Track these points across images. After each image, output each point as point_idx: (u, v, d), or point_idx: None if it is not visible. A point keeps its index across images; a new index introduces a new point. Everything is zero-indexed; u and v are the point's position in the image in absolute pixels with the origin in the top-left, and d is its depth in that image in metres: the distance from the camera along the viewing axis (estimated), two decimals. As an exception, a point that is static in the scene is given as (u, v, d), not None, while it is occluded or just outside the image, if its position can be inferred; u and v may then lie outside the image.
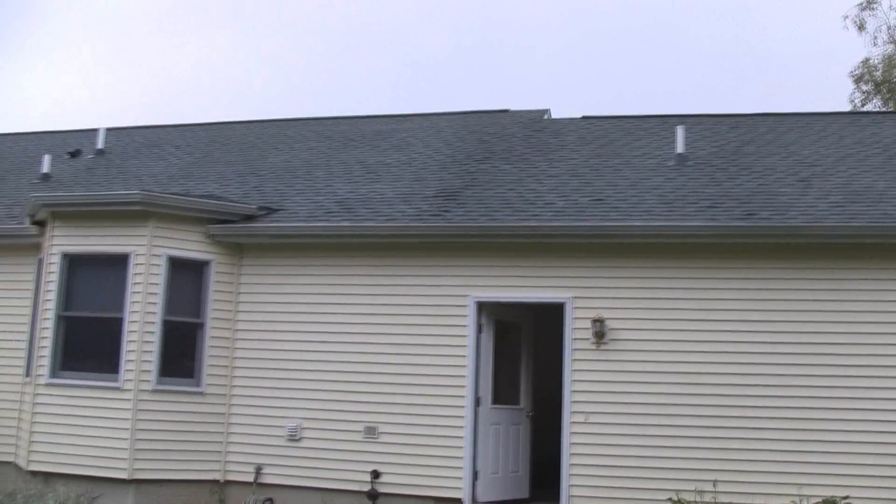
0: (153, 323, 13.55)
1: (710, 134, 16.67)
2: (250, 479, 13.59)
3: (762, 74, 51.63)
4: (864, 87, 32.72)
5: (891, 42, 32.91)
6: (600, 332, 12.52)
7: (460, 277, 13.27)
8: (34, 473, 13.62)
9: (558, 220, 13.01)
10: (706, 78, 52.37)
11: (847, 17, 33.24)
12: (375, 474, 13.04)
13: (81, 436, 13.42)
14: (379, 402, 13.26)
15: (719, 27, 54.04)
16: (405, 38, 59.77)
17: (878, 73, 32.50)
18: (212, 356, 13.90)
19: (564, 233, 12.82)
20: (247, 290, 14.20)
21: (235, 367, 14.02)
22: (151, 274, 13.62)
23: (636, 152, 16.02)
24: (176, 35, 60.16)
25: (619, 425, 12.33)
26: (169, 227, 13.82)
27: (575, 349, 12.70)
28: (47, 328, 13.94)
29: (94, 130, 20.39)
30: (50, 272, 14.12)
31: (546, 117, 19.35)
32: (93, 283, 14.18)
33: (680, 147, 15.32)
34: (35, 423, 13.74)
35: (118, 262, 13.75)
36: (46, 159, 18.32)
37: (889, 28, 33.01)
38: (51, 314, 13.95)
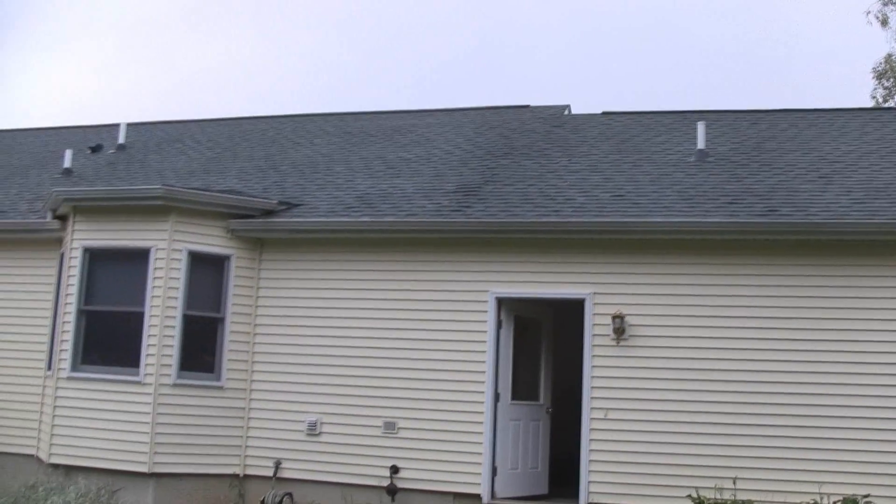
0: (173, 317, 13.60)
1: (731, 130, 16.59)
2: (269, 473, 13.63)
3: (784, 70, 51.38)
4: (886, 83, 32.47)
5: (914, 37, 32.65)
6: (620, 329, 12.49)
7: (480, 273, 13.26)
8: (55, 466, 13.69)
9: (578, 216, 12.99)
10: (727, 74, 52.15)
11: (869, 12, 32.99)
12: (394, 469, 13.05)
13: (102, 429, 13.49)
14: (398, 398, 13.27)
15: (740, 23, 53.82)
16: (426, 34, 59.76)
17: (901, 69, 32.21)
18: (232, 351, 13.94)
19: (585, 228, 12.79)
20: (267, 285, 14.23)
21: (255, 362, 14.05)
22: (172, 268, 13.66)
23: (656, 148, 15.97)
24: (198, 30, 60.31)
25: (638, 421, 12.30)
26: (189, 221, 13.86)
27: (595, 345, 12.67)
28: (69, 322, 14.01)
29: (116, 125, 20.50)
30: (71, 266, 14.19)
31: (566, 113, 19.31)
32: (114, 277, 14.25)
33: (700, 143, 15.26)
34: (56, 416, 13.82)
35: (139, 257, 13.80)
36: (68, 154, 18.41)
37: (912, 23, 32.73)
38: (72, 308, 14.02)
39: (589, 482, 12.38)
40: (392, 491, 12.97)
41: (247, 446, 13.86)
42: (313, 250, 14.09)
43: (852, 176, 13.79)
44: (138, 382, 13.45)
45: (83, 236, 14.19)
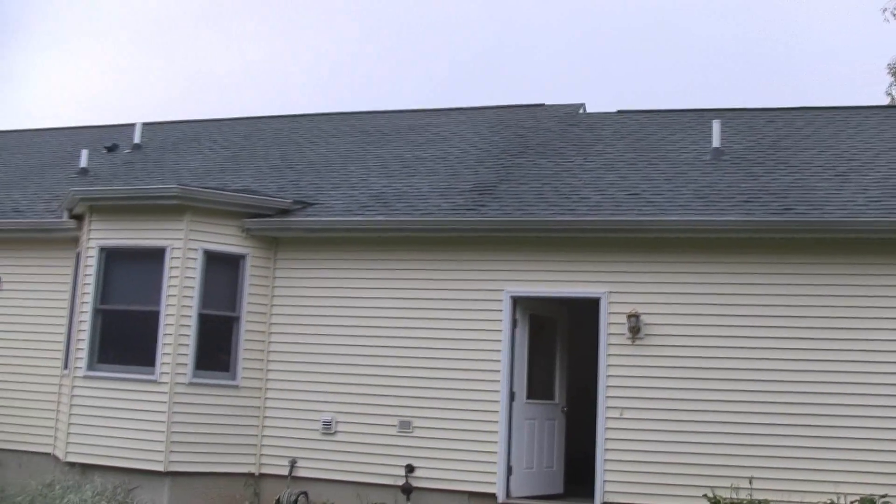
0: (189, 316, 13.63)
1: (747, 128, 16.54)
2: (285, 472, 13.65)
3: (800, 68, 51.21)
4: (902, 80, 32.25)
5: (930, 34, 32.43)
6: (636, 328, 12.46)
7: (495, 272, 13.26)
8: (72, 465, 13.74)
9: (594, 215, 12.97)
10: (742, 72, 52.00)
11: (886, 9, 32.81)
12: (410, 468, 13.05)
13: (118, 428, 13.53)
14: (413, 397, 13.27)
15: (755, 20, 53.64)
16: (441, 33, 59.76)
17: (917, 66, 32.02)
18: (247, 350, 13.96)
19: (600, 227, 12.77)
20: (282, 284, 14.25)
21: (270, 361, 14.08)
22: (187, 268, 13.70)
23: (672, 146, 15.93)
24: (214, 29, 60.45)
25: (654, 421, 12.27)
26: (205, 220, 13.89)
27: (610, 344, 12.65)
28: (85, 321, 14.06)
29: (132, 125, 20.56)
30: (87, 266, 14.24)
31: (581, 111, 19.28)
32: (129, 276, 14.29)
33: (716, 141, 15.21)
34: (73, 415, 13.87)
35: (155, 256, 13.84)
36: (84, 154, 18.49)
37: (928, 20, 32.53)
38: (88, 307, 14.07)
39: (604, 481, 12.36)
40: (407, 490, 12.97)
41: (262, 445, 13.88)
42: (328, 249, 14.11)
43: (869, 174, 13.73)
44: (154, 381, 13.49)
45: (99, 236, 14.24)
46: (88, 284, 14.15)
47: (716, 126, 15.36)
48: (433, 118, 19.71)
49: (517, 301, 13.23)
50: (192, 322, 13.65)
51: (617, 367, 12.57)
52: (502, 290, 13.18)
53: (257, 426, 13.93)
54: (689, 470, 11.97)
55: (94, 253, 14.18)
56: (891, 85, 31.83)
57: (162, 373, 13.48)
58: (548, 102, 19.86)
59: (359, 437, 13.44)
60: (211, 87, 56.94)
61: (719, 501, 11.19)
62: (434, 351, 13.28)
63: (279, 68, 59.78)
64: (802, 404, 11.80)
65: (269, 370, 14.05)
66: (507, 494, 12.81)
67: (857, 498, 11.00)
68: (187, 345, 13.58)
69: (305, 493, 13.40)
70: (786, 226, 12.14)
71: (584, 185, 14.29)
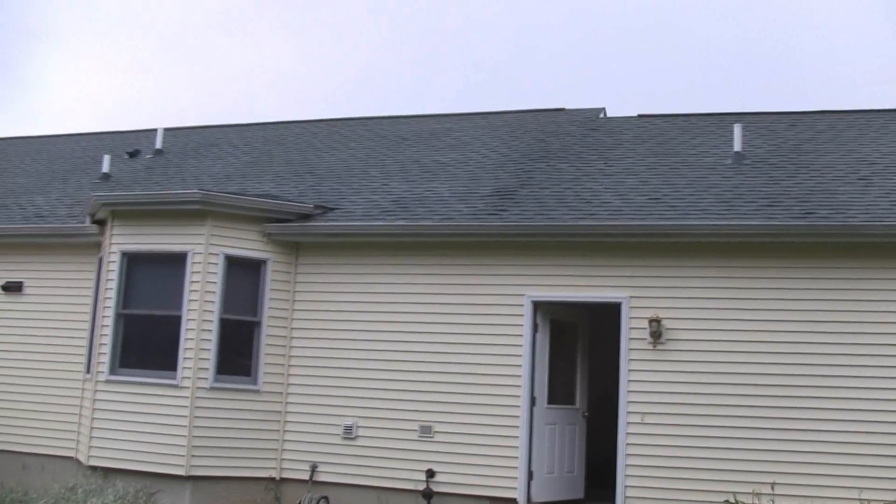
0: (210, 321, 13.67)
1: (768, 132, 16.48)
2: (306, 476, 13.67)
3: (799, 69, 51.00)
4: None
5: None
6: (657, 332, 12.43)
7: (516, 277, 13.25)
8: (94, 468, 13.80)
9: (615, 220, 12.94)
10: (763, 76, 51.82)
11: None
12: (430, 473, 13.05)
13: (140, 432, 13.58)
14: (434, 402, 13.27)
15: (756, 21, 53.45)
16: (462, 38, 59.76)
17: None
18: (268, 354, 13.99)
19: (621, 232, 12.75)
20: (303, 289, 14.28)
21: (291, 366, 14.10)
22: (209, 272, 13.74)
23: (693, 151, 15.89)
24: (235, 35, 60.63)
25: (675, 426, 12.24)
26: (226, 225, 13.93)
27: (631, 349, 12.62)
28: (107, 326, 14.12)
29: (153, 130, 20.66)
30: (109, 270, 14.30)
31: (602, 116, 19.25)
32: (151, 281, 14.34)
33: (737, 145, 15.16)
34: (95, 419, 13.92)
35: (176, 261, 13.89)
36: (106, 159, 18.59)
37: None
38: (110, 312, 14.13)
39: (625, 486, 12.33)
40: (428, 495, 12.97)
41: (283, 450, 13.91)
42: (349, 254, 14.13)
43: (892, 178, 13.65)
44: (176, 386, 13.53)
45: (121, 240, 14.30)
46: (110, 289, 14.21)
47: (737, 130, 15.32)
48: (453, 123, 19.72)
49: (538, 306, 13.22)
50: (214, 327, 13.68)
51: (638, 371, 12.54)
52: (523, 295, 13.17)
53: (278, 430, 13.95)
54: (711, 475, 11.93)
55: (116, 258, 14.24)
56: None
57: (183, 377, 13.52)
58: (568, 107, 19.84)
59: (380, 442, 13.45)
60: (232, 93, 57.12)
61: (741, 507, 11.16)
62: (455, 356, 13.28)
63: (300, 74, 59.90)
64: (826, 409, 11.73)
65: (290, 375, 14.08)
66: (528, 499, 12.79)
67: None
68: (209, 349, 13.62)
69: (326, 498, 13.42)
70: (808, 230, 12.08)
71: (604, 189, 14.26)
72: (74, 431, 14.93)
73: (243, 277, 14.08)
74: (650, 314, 12.48)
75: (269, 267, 14.13)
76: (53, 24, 59.80)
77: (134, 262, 14.28)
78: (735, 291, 12.34)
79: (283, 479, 13.84)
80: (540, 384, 13.20)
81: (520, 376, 12.99)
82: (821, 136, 16.09)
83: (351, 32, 59.92)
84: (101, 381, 14.01)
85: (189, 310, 13.66)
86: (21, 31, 58.94)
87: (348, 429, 13.60)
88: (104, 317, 14.23)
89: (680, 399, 12.27)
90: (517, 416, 12.91)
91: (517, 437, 12.86)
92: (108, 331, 14.09)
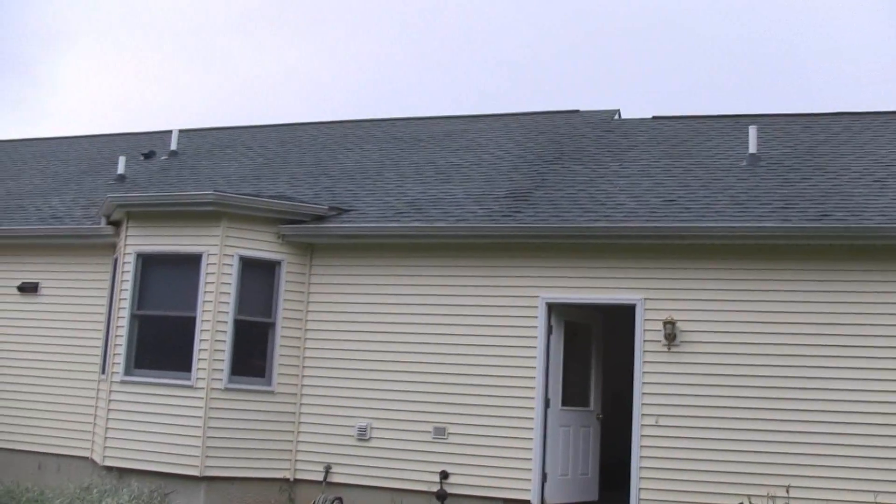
0: (225, 322, 13.70)
1: (783, 134, 16.44)
2: (319, 478, 13.69)
3: (836, 73, 50.85)
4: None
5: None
6: (671, 334, 12.40)
7: (530, 278, 13.24)
8: (109, 469, 13.85)
9: (629, 221, 12.92)
10: (778, 77, 51.69)
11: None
12: (444, 475, 13.05)
13: (155, 433, 13.62)
14: (448, 403, 13.27)
15: (790, 25, 53.32)
16: (475, 40, 59.76)
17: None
18: (282, 355, 14.01)
19: (636, 234, 12.72)
20: (317, 290, 14.30)
21: (306, 367, 14.12)
22: (223, 274, 13.77)
23: (708, 152, 15.86)
24: (249, 37, 60.75)
25: (690, 428, 12.21)
26: (241, 227, 13.96)
27: (646, 351, 12.60)
28: (122, 327, 14.17)
29: (168, 132, 20.73)
30: (125, 271, 14.35)
31: (616, 117, 19.23)
32: (166, 282, 14.38)
33: (752, 147, 15.12)
34: (110, 419, 13.98)
35: (191, 262, 13.93)
36: (121, 161, 18.66)
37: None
38: (125, 313, 14.18)
39: (640, 489, 12.31)
40: (442, 496, 12.97)
41: (297, 451, 13.93)
42: (363, 255, 14.14)
43: (908, 180, 13.60)
44: (190, 387, 13.57)
45: (136, 242, 14.34)
46: (125, 290, 14.26)
47: (752, 132, 15.28)
48: (468, 124, 19.72)
49: (552, 307, 13.21)
50: (228, 328, 13.72)
51: (652, 374, 12.52)
52: (537, 297, 13.16)
53: (292, 431, 13.97)
54: (725, 478, 11.90)
55: (131, 259, 14.29)
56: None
57: (198, 378, 13.55)
58: (583, 109, 19.83)
59: (393, 444, 13.46)
60: (246, 94, 57.24)
61: (756, 510, 11.13)
62: (469, 357, 13.28)
63: (315, 75, 60.00)
64: (842, 412, 11.69)
65: (304, 376, 14.10)
66: (542, 501, 12.78)
67: (897, 507, 10.91)
68: (223, 350, 13.65)
69: (340, 499, 13.43)
70: (823, 232, 12.03)
71: (619, 191, 14.24)
72: (89, 432, 14.99)
73: (258, 278, 14.10)
74: (665, 316, 12.46)
75: (284, 268, 14.16)
76: (69, 26, 60.04)
77: (149, 263, 14.33)
78: (750, 294, 12.30)
79: (297, 480, 13.86)
80: (554, 386, 13.19)
81: (534, 378, 12.99)
82: (836, 137, 16.04)
83: (365, 34, 59.99)
84: (116, 382, 14.05)
85: (204, 311, 13.70)
86: (37, 32, 59.23)
87: (362, 430, 13.61)
88: (119, 317, 14.28)
89: (694, 401, 12.25)
90: (531, 418, 12.90)
91: (531, 438, 12.86)
92: (123, 331, 14.14)
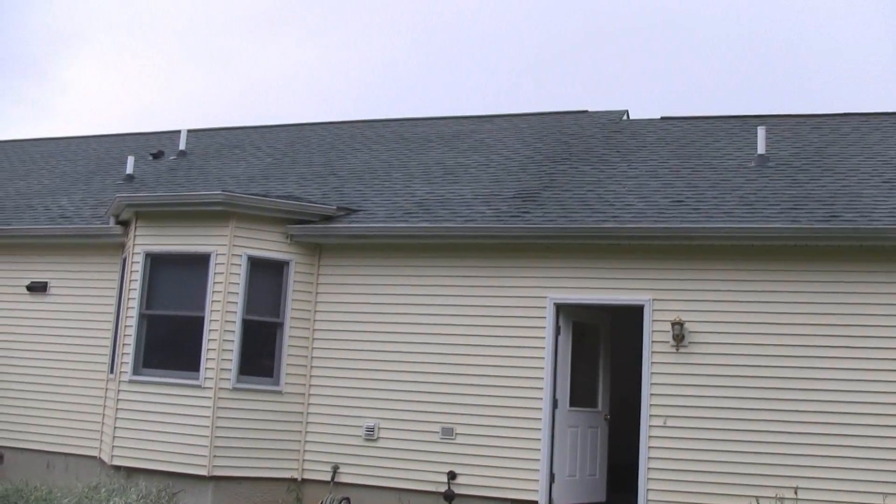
0: (233, 322, 13.71)
1: (792, 135, 16.41)
2: (327, 477, 13.69)
3: (837, 73, 50.76)
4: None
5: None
6: (680, 335, 12.39)
7: (538, 279, 13.23)
8: (117, 468, 13.87)
9: (638, 222, 12.91)
10: (785, 77, 51.62)
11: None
12: (452, 475, 13.05)
13: (163, 432, 13.64)
14: (456, 403, 13.27)
15: (797, 25, 53.22)
16: (484, 41, 59.76)
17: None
18: (290, 355, 14.02)
19: (644, 234, 12.71)
20: (325, 290, 14.31)
21: (314, 367, 14.13)
22: (232, 273, 13.78)
23: (716, 153, 15.83)
24: (257, 37, 60.82)
25: (698, 429, 12.19)
26: (249, 227, 13.98)
27: (654, 352, 12.58)
28: (130, 326, 14.19)
29: (176, 132, 20.76)
30: (133, 271, 14.37)
31: (625, 118, 19.21)
32: (174, 282, 14.40)
33: (761, 148, 15.10)
34: (118, 419, 14.00)
35: (199, 262, 13.94)
36: (130, 160, 18.69)
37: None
38: (134, 312, 14.20)
39: (647, 490, 12.29)
40: (449, 497, 12.97)
41: (305, 451, 13.94)
42: (372, 255, 14.15)
43: (917, 181, 13.57)
44: (198, 386, 13.58)
45: (145, 241, 14.37)
46: (134, 290, 14.28)
47: (761, 132, 15.25)
48: (476, 125, 19.72)
49: (560, 308, 13.20)
50: (236, 328, 13.73)
51: (661, 374, 12.51)
52: (545, 297, 13.15)
53: (300, 431, 13.98)
54: (734, 479, 11.89)
55: (139, 258, 14.31)
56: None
57: (206, 378, 13.57)
58: (591, 109, 19.81)
59: (401, 444, 13.46)
60: (255, 94, 57.31)
61: (764, 511, 11.11)
62: (477, 358, 13.28)
63: (323, 75, 60.06)
64: (849, 413, 11.66)
65: (312, 376, 14.11)
66: (550, 502, 12.77)
67: (906, 509, 10.88)
68: (231, 350, 13.66)
69: (348, 499, 13.44)
70: (832, 233, 12.01)
71: (627, 191, 14.23)
72: (98, 431, 15.02)
73: (266, 278, 14.12)
74: (673, 317, 12.44)
75: (292, 268, 14.17)
76: (78, 26, 60.17)
77: (157, 263, 14.35)
78: (758, 294, 12.28)
79: (305, 480, 13.87)
80: (562, 386, 13.18)
81: (542, 378, 12.98)
82: (845, 138, 16.01)
83: (374, 34, 60.02)
84: (125, 381, 14.08)
85: (212, 310, 13.72)
86: (47, 33, 59.37)
87: (370, 430, 13.61)
88: (128, 317, 14.30)
89: (702, 402, 12.23)
90: (539, 419, 12.90)
91: (539, 439, 12.85)
92: (132, 331, 14.16)
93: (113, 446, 13.96)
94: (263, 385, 13.85)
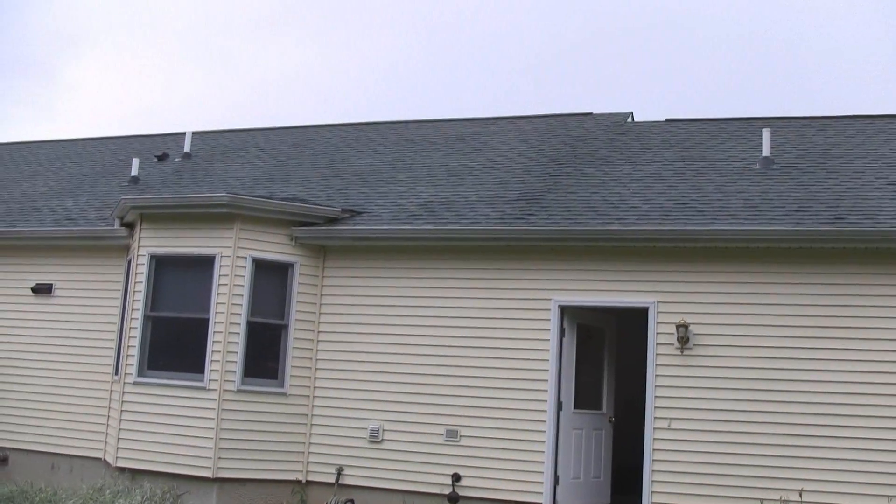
0: (238, 324, 13.72)
1: (797, 137, 16.39)
2: (331, 479, 13.70)
3: (846, 74, 50.73)
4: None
5: None
6: (684, 338, 12.38)
7: (543, 281, 13.23)
8: (122, 470, 13.88)
9: (642, 224, 12.90)
10: (788, 78, 51.59)
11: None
12: (456, 477, 13.04)
13: (167, 434, 13.65)
14: (460, 406, 13.27)
15: (800, 27, 53.21)
16: (488, 43, 59.78)
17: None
18: (295, 357, 14.03)
19: (648, 237, 12.70)
20: (330, 293, 14.31)
21: (318, 369, 14.14)
22: (237, 275, 13.79)
23: (721, 155, 15.83)
24: (262, 39, 60.88)
25: (703, 431, 12.18)
26: (254, 229, 13.99)
27: (659, 354, 12.57)
28: (135, 328, 14.20)
29: (181, 134, 20.80)
30: (138, 273, 14.38)
31: (629, 120, 19.20)
32: (179, 284, 14.41)
33: (766, 150, 15.08)
34: (123, 420, 14.01)
35: (204, 264, 13.96)
36: (135, 162, 18.71)
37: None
38: (139, 314, 14.22)
39: (652, 492, 12.28)
40: (454, 499, 12.96)
41: (309, 452, 13.94)
42: (376, 258, 14.15)
43: (922, 183, 13.55)
44: (203, 388, 13.59)
45: (150, 243, 14.38)
46: (139, 292, 14.29)
47: (766, 135, 15.24)
48: (480, 127, 19.72)
49: (565, 310, 13.19)
50: (241, 329, 13.74)
51: (665, 377, 12.50)
52: (550, 300, 13.15)
53: (304, 433, 13.99)
54: (738, 482, 11.87)
55: (144, 260, 14.33)
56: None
57: (211, 380, 13.58)
58: (596, 111, 19.81)
59: (406, 446, 13.46)
60: (259, 97, 57.38)
61: (769, 514, 11.10)
62: (481, 360, 13.28)
63: (327, 78, 60.10)
64: (855, 416, 11.65)
65: (316, 378, 14.12)
66: (554, 504, 12.78)
67: (911, 512, 10.86)
68: (236, 352, 13.67)
69: (352, 501, 13.44)
70: (837, 235, 11.99)
71: (632, 193, 14.23)
72: (102, 433, 15.03)
73: (270, 280, 14.13)
74: (677, 319, 12.43)
75: (297, 270, 14.18)
76: (80, 27, 60.25)
77: (162, 265, 14.37)
78: (763, 297, 12.27)
79: (309, 482, 13.88)
80: (567, 389, 13.17)
81: (546, 381, 12.97)
82: (850, 140, 15.99)
83: (378, 36, 60.05)
84: (129, 383, 14.09)
85: (217, 312, 13.73)
86: (52, 34, 59.47)
87: (374, 432, 13.61)
88: (132, 319, 14.32)
89: (707, 405, 12.22)
90: (543, 421, 12.89)
91: (543, 441, 12.84)
92: (137, 333, 14.17)
93: (117, 448, 13.97)
94: (268, 387, 13.86)
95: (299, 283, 14.18)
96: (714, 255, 12.54)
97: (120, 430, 14.00)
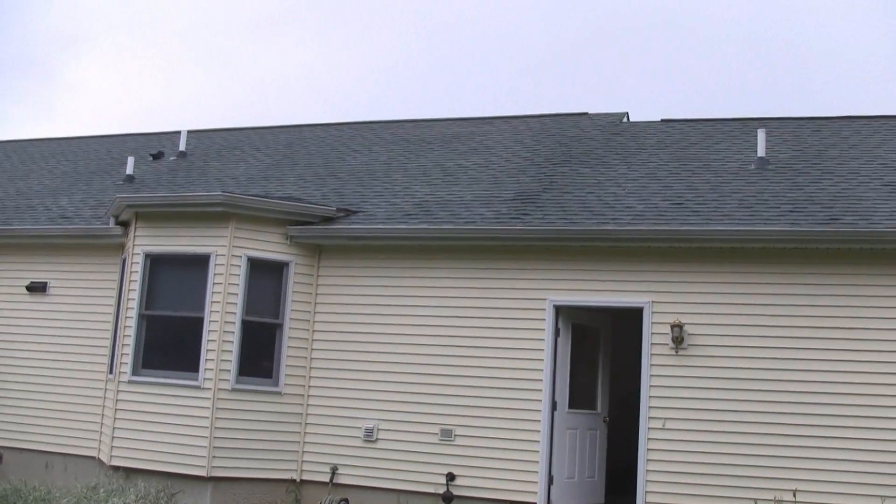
0: (233, 323, 13.71)
1: (793, 137, 16.40)
2: (326, 479, 13.69)
3: (845, 74, 50.76)
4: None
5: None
6: (679, 338, 12.38)
7: (538, 281, 13.23)
8: (116, 468, 13.86)
9: (637, 224, 12.90)
10: (787, 78, 51.62)
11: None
12: (451, 477, 13.05)
13: (162, 433, 13.64)
14: (455, 405, 13.27)
15: (797, 27, 53.23)
16: (485, 43, 59.76)
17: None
18: (290, 356, 14.02)
19: (643, 237, 12.70)
20: (325, 292, 14.31)
21: (313, 368, 14.13)
22: (231, 274, 13.78)
23: (716, 156, 15.83)
24: (258, 39, 60.83)
25: (697, 431, 12.19)
26: (249, 228, 13.98)
27: (653, 354, 12.58)
28: (130, 327, 14.19)
29: (177, 133, 20.77)
30: (133, 272, 14.37)
31: (625, 120, 19.21)
32: (174, 282, 14.40)
33: (761, 150, 15.09)
34: (117, 419, 13.99)
35: (199, 263, 13.94)
36: (130, 161, 18.69)
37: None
38: (133, 313, 14.20)
39: (646, 492, 12.28)
40: (448, 498, 12.96)
41: (304, 451, 13.93)
42: (371, 257, 14.15)
43: (917, 184, 13.56)
44: (198, 387, 13.58)
45: (145, 242, 14.37)
46: (134, 290, 14.28)
47: (761, 135, 15.25)
48: (476, 127, 19.72)
49: (560, 310, 13.20)
50: (236, 328, 13.73)
51: (660, 377, 12.50)
52: (545, 299, 13.15)
53: (299, 433, 13.98)
54: (732, 482, 11.88)
55: (139, 259, 14.31)
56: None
57: (205, 378, 13.57)
58: (591, 111, 19.81)
59: (400, 445, 13.45)
60: (254, 96, 57.32)
61: (763, 514, 11.11)
62: (476, 359, 13.28)
63: (323, 77, 60.08)
64: (849, 416, 11.66)
65: (311, 377, 14.11)
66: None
67: (904, 512, 10.87)
68: (231, 351, 13.66)
69: (346, 500, 13.43)
70: (832, 236, 12.00)
71: (627, 194, 14.23)
72: (97, 431, 15.01)
73: (265, 279, 14.12)
74: (672, 319, 12.44)
75: (292, 269, 14.17)
76: (80, 27, 60.18)
77: (157, 264, 14.35)
78: (758, 297, 12.28)
79: (304, 481, 13.87)
80: (561, 388, 13.18)
81: (541, 380, 12.97)
82: (846, 141, 16.01)
83: (374, 36, 60.02)
84: (124, 382, 14.07)
85: (211, 311, 13.71)
86: (52, 34, 59.39)
87: (369, 431, 13.61)
88: (127, 318, 14.30)
89: (702, 405, 12.23)
90: (538, 421, 12.89)
91: (538, 441, 12.84)
92: (131, 331, 14.16)
93: (112, 446, 13.96)
94: (263, 386, 13.85)
95: (294, 283, 14.17)
96: (709, 256, 12.55)
97: (114, 428, 13.99)
